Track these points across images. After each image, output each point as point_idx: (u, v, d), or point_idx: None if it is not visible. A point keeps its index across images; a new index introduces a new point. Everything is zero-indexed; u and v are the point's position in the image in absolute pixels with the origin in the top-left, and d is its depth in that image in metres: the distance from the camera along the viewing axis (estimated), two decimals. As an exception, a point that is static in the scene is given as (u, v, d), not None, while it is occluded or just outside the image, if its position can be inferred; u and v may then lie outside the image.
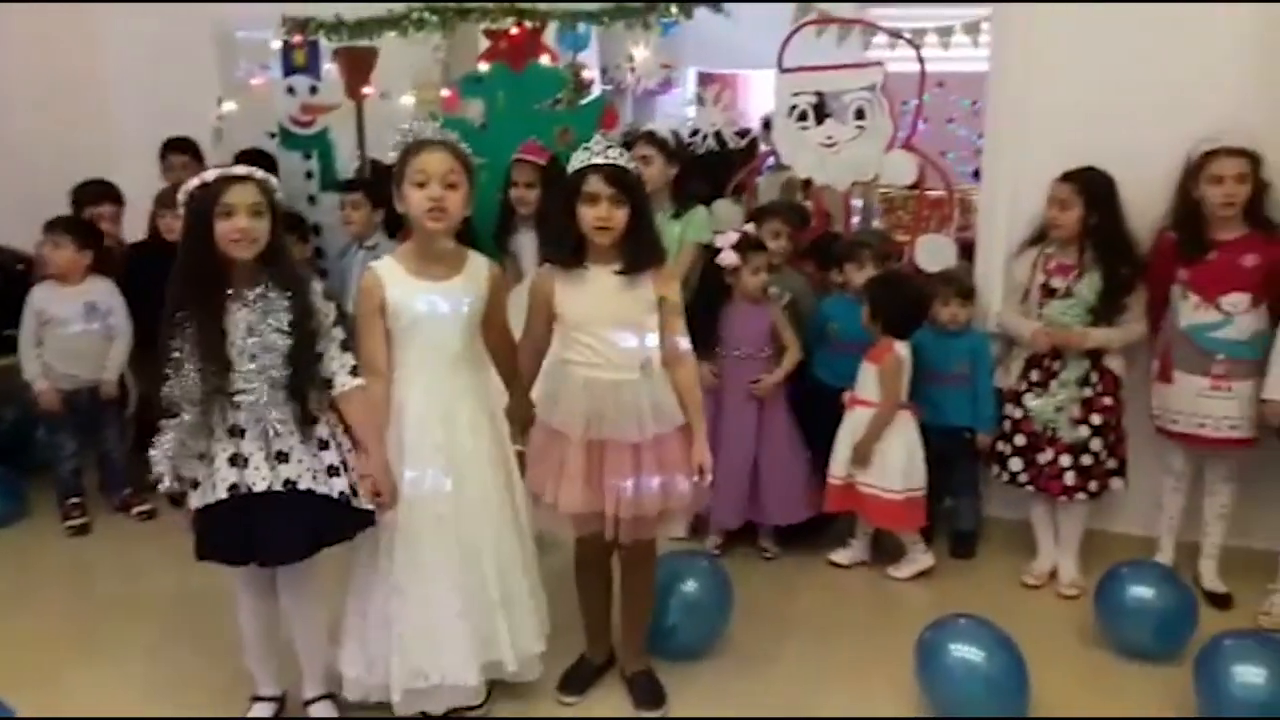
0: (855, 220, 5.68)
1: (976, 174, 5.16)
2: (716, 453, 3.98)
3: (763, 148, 5.64)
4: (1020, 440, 3.97)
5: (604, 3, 4.85)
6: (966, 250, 4.51)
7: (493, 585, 3.02)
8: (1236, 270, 3.63)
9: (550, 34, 5.09)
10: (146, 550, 4.40)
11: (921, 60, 4.64)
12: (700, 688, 3.35)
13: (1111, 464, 3.91)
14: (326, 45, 5.33)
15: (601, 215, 2.93)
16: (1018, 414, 3.97)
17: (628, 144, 4.17)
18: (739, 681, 3.40)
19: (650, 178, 4.20)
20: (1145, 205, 3.82)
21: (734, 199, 5.04)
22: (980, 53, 4.47)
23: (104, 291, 4.58)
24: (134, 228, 5.15)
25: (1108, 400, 3.85)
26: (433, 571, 2.97)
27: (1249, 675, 2.93)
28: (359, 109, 5.38)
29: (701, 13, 4.81)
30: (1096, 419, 3.84)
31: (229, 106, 5.68)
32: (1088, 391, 3.84)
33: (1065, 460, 3.86)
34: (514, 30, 4.94)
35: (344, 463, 2.92)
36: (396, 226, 4.50)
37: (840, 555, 4.24)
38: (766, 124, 6.45)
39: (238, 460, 2.79)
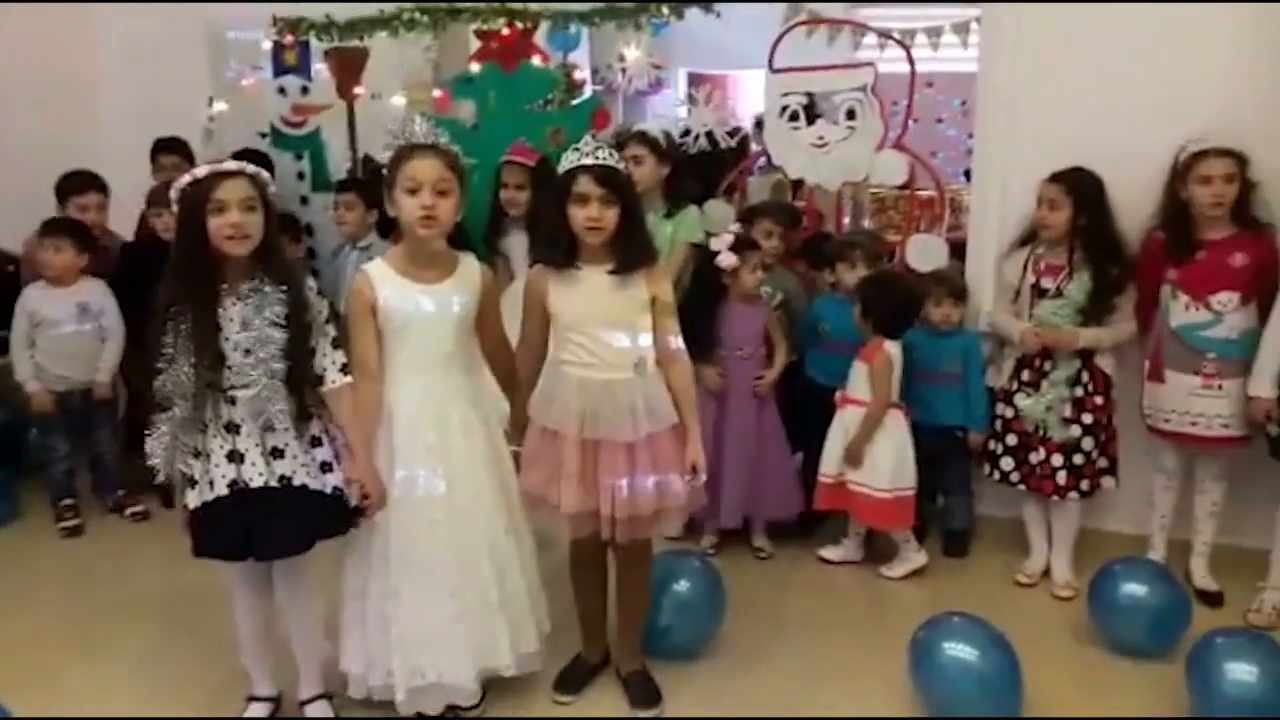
0: (846, 220, 5.70)
1: (967, 174, 5.17)
2: (721, 453, 4.02)
3: (754, 147, 5.65)
4: (1012, 440, 3.98)
5: (595, 3, 4.85)
6: (957, 250, 4.52)
7: (491, 589, 3.03)
8: (1225, 269, 3.65)
9: (541, 35, 5.10)
10: (140, 551, 4.39)
11: (911, 61, 4.66)
12: (695, 687, 3.35)
13: (1102, 463, 3.93)
14: (317, 45, 5.33)
15: (592, 215, 2.93)
16: (1009, 413, 3.98)
17: (619, 144, 4.19)
18: (733, 681, 3.41)
19: (641, 178, 4.22)
20: (1135, 205, 3.83)
21: (726, 199, 5.04)
22: (969, 53, 4.49)
23: (96, 292, 4.57)
24: (124, 228, 5.16)
25: (1099, 400, 3.87)
26: (427, 574, 2.97)
27: (1241, 673, 2.95)
28: (350, 109, 5.38)
29: (692, 13, 4.82)
30: (1087, 418, 3.85)
31: (220, 107, 5.67)
32: (1078, 391, 3.85)
33: (1057, 460, 3.87)
34: (505, 31, 4.95)
35: (336, 458, 2.94)
36: (389, 227, 4.50)
37: (830, 551, 4.26)
38: (759, 124, 6.48)
39: (235, 456, 2.80)
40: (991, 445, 4.06)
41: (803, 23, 4.83)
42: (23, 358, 4.51)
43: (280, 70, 5.52)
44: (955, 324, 4.18)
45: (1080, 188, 3.81)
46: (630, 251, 3.00)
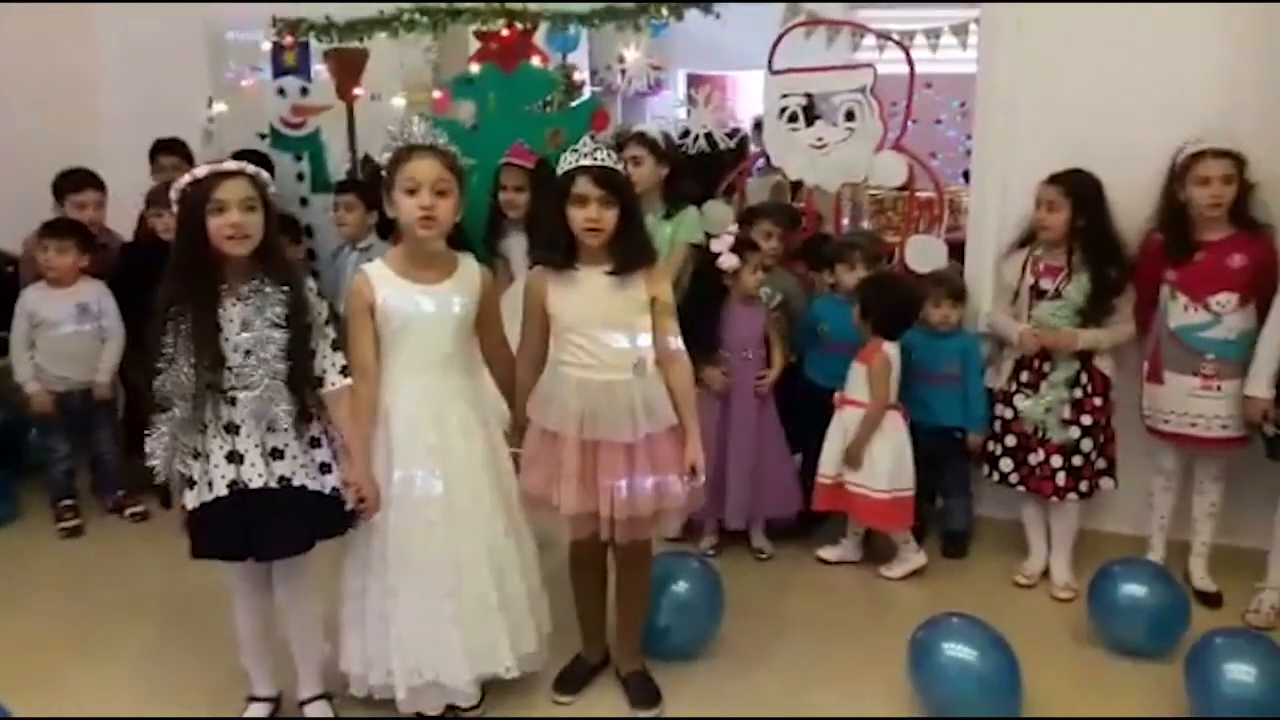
0: (845, 221, 5.70)
1: (966, 175, 5.18)
2: (725, 454, 4.03)
3: (753, 149, 5.65)
4: (1011, 441, 3.99)
5: (595, 1, 4.85)
6: (956, 251, 4.53)
7: (489, 591, 3.02)
8: (1224, 270, 3.65)
9: (540, 36, 5.10)
10: (140, 551, 4.39)
11: (910, 62, 4.66)
12: (694, 688, 3.36)
13: (1101, 464, 3.93)
14: (317, 46, 5.33)
15: (591, 216, 2.93)
16: (1008, 415, 3.98)
17: (619, 145, 4.19)
18: (733, 681, 3.41)
19: (640, 178, 4.22)
20: (1133, 206, 3.84)
21: (725, 200, 5.05)
22: (968, 54, 4.49)
23: (96, 293, 4.58)
24: (123, 228, 5.16)
25: (1097, 401, 3.87)
26: (424, 574, 2.97)
27: (1240, 673, 2.95)
28: (350, 110, 5.38)
29: (691, 15, 4.83)
30: (1086, 420, 3.86)
31: (219, 108, 5.67)
32: (1077, 393, 3.85)
33: (1056, 461, 3.88)
34: (504, 32, 4.95)
35: (335, 459, 2.95)
36: (389, 228, 4.50)
37: (828, 551, 4.27)
38: (758, 125, 6.48)
39: (234, 457, 2.80)
40: (990, 446, 4.06)
41: (802, 24, 4.83)
42: (22, 358, 4.51)
43: (280, 71, 5.52)
44: (954, 325, 4.18)
45: (1079, 189, 3.81)
46: (629, 252, 3.00)
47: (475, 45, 5.10)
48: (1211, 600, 3.83)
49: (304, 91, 5.49)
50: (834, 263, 4.39)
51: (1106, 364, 3.89)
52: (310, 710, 3.15)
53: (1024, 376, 3.94)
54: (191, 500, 2.84)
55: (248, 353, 2.78)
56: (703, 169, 5.13)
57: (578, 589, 3.33)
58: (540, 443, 3.08)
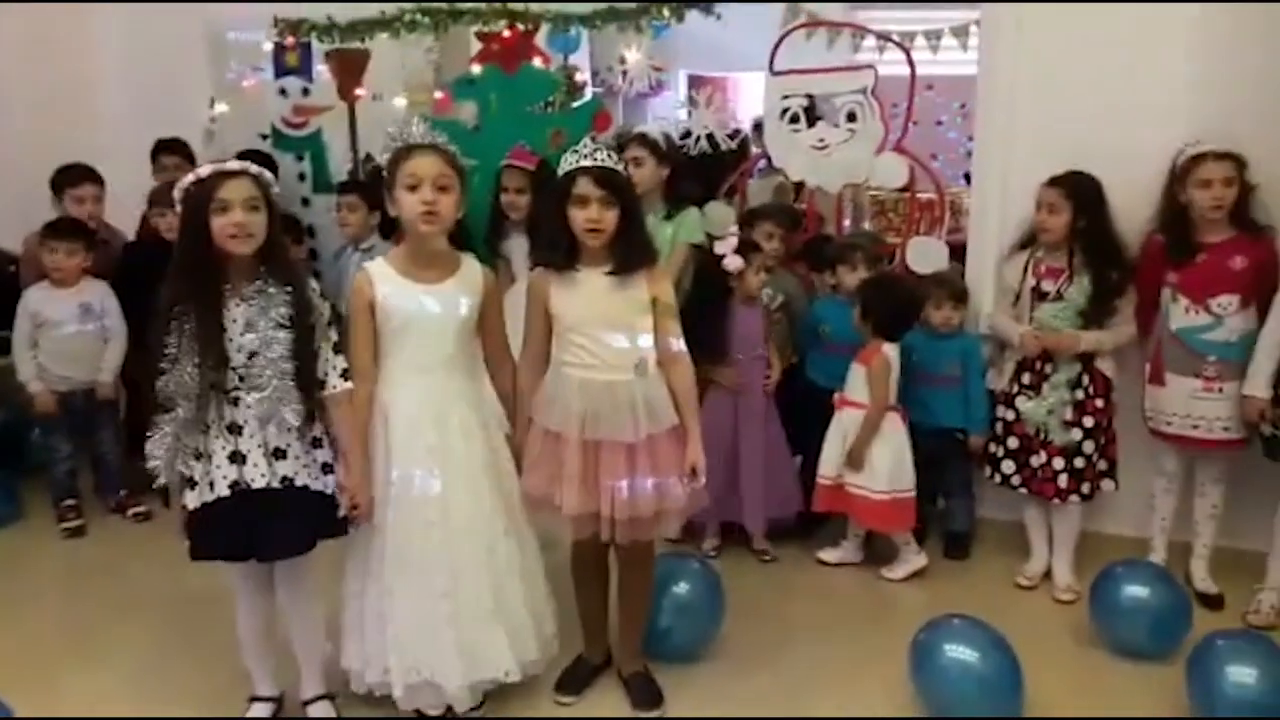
0: (846, 223, 5.71)
1: (967, 177, 5.18)
2: (739, 454, 4.05)
3: (754, 150, 5.66)
4: (1013, 443, 3.99)
5: (597, 1, 4.86)
6: (957, 252, 4.53)
7: (485, 594, 3.02)
8: (1225, 272, 3.65)
9: (542, 37, 5.10)
10: (142, 551, 4.39)
11: (912, 63, 4.66)
12: (696, 689, 3.36)
13: (1103, 465, 3.93)
14: (319, 47, 5.33)
15: (592, 217, 2.94)
16: (1010, 416, 3.98)
17: (620, 146, 4.19)
18: (734, 682, 3.41)
19: (641, 179, 4.22)
20: (1134, 207, 3.84)
21: (726, 201, 5.05)
22: (969, 56, 4.49)
23: (99, 293, 4.59)
24: (125, 229, 5.17)
25: (1099, 402, 3.87)
26: (421, 575, 2.97)
27: (1241, 675, 2.95)
28: (351, 111, 5.38)
29: (692, 16, 4.83)
30: (1088, 421, 3.86)
31: (221, 108, 5.68)
32: (1079, 394, 3.86)
33: (1058, 463, 3.88)
34: (506, 33, 4.95)
35: (335, 459, 2.95)
36: (391, 229, 4.51)
37: (828, 554, 4.27)
38: (757, 127, 6.48)
39: (237, 457, 2.80)
40: (992, 448, 4.06)
41: (802, 25, 4.84)
42: (25, 358, 4.52)
43: (281, 71, 5.52)
44: (955, 326, 4.19)
45: (1079, 191, 3.82)
46: (629, 253, 3.01)
47: (477, 46, 5.10)
48: (1213, 602, 3.83)
49: (305, 92, 5.49)
50: (835, 264, 4.39)
51: (1108, 365, 3.89)
52: (313, 710, 3.16)
53: (1026, 378, 3.94)
54: (192, 501, 2.84)
55: (252, 354, 2.78)
56: (704, 170, 5.13)
57: (579, 589, 3.33)
58: (543, 443, 3.08)
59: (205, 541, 2.86)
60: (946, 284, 4.23)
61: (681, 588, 3.47)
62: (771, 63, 4.83)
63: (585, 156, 2.97)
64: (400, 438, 2.99)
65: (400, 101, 5.33)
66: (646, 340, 3.06)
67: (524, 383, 3.15)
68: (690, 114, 5.16)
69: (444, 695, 3.04)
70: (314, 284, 2.97)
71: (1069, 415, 3.86)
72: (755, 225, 4.47)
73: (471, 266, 3.11)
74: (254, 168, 2.84)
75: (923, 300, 4.15)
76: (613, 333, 3.01)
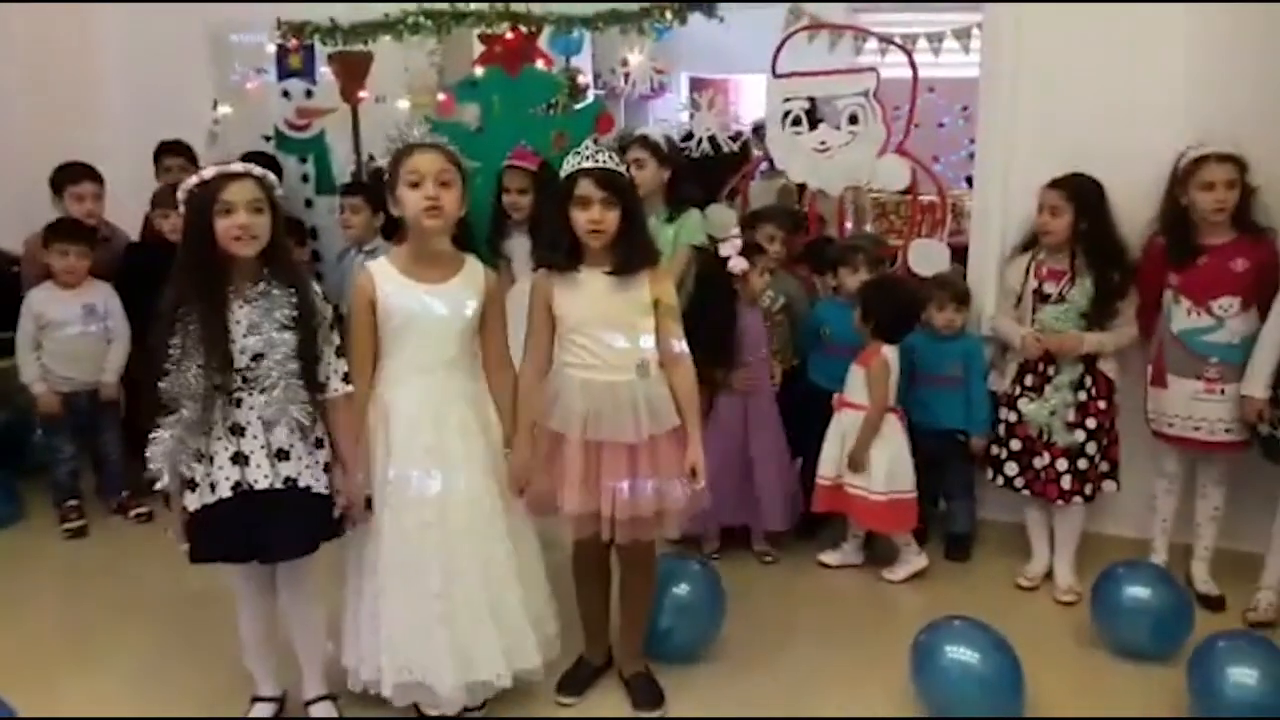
0: (848, 225, 5.71)
1: (969, 180, 5.19)
2: (752, 456, 4.07)
3: (755, 153, 5.66)
4: (1016, 445, 3.99)
5: (599, 3, 4.86)
6: (959, 254, 4.53)
7: (479, 596, 3.01)
8: (1227, 274, 3.66)
9: (544, 39, 5.11)
10: (144, 552, 4.39)
11: (914, 65, 4.67)
12: (697, 690, 3.36)
13: (1104, 467, 3.94)
14: (322, 49, 5.34)
15: (594, 218, 2.94)
16: (1013, 418, 3.99)
17: (622, 148, 4.20)
18: (735, 683, 3.42)
19: (643, 181, 4.22)
20: (1135, 209, 3.85)
21: (728, 203, 5.05)
22: (971, 58, 4.50)
23: (102, 294, 4.60)
24: (128, 229, 5.17)
25: (1101, 404, 3.88)
26: (417, 575, 2.96)
27: (1242, 675, 2.95)
28: (354, 113, 5.39)
29: (694, 18, 4.83)
30: (1091, 422, 3.86)
31: (224, 110, 5.69)
32: (1082, 395, 3.86)
33: (1061, 464, 3.88)
34: (509, 35, 4.96)
35: (334, 459, 2.96)
36: (393, 230, 4.51)
37: (829, 556, 4.27)
38: (756, 129, 6.49)
39: (239, 458, 2.81)
40: (995, 450, 4.07)
41: (805, 28, 4.84)
42: (29, 359, 4.52)
43: (284, 74, 5.52)
44: (958, 328, 4.19)
45: (1081, 193, 3.82)
46: (631, 253, 3.01)
47: (479, 48, 5.11)
48: (1214, 604, 3.83)
49: (309, 94, 5.49)
50: (837, 266, 4.40)
51: (1110, 367, 3.90)
52: (315, 711, 3.16)
53: (1028, 380, 3.94)
54: (193, 503, 2.83)
55: (256, 355, 2.79)
56: (705, 172, 5.14)
57: (580, 590, 3.34)
58: (545, 443, 3.09)
59: (206, 544, 2.86)
60: (948, 286, 4.23)
61: (682, 588, 3.48)
62: (774, 65, 4.84)
63: (587, 158, 2.98)
64: (399, 437, 2.99)
65: (403, 104, 5.33)
66: (648, 341, 3.06)
67: (526, 384, 3.14)
68: (692, 116, 5.17)
69: (435, 696, 3.03)
70: (316, 286, 2.98)
71: (1072, 416, 3.86)
72: (757, 227, 4.47)
73: (475, 267, 3.11)
74: (258, 170, 2.84)
75: (923, 302, 4.16)
76: (614, 333, 3.02)
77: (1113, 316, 3.83)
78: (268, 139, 5.54)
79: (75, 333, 4.53)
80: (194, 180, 2.82)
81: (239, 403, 2.81)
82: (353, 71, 5.30)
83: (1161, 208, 3.80)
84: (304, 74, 5.49)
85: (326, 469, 2.93)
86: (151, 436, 2.82)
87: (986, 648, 3.09)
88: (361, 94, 5.36)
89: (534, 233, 4.42)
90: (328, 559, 3.05)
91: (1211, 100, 3.87)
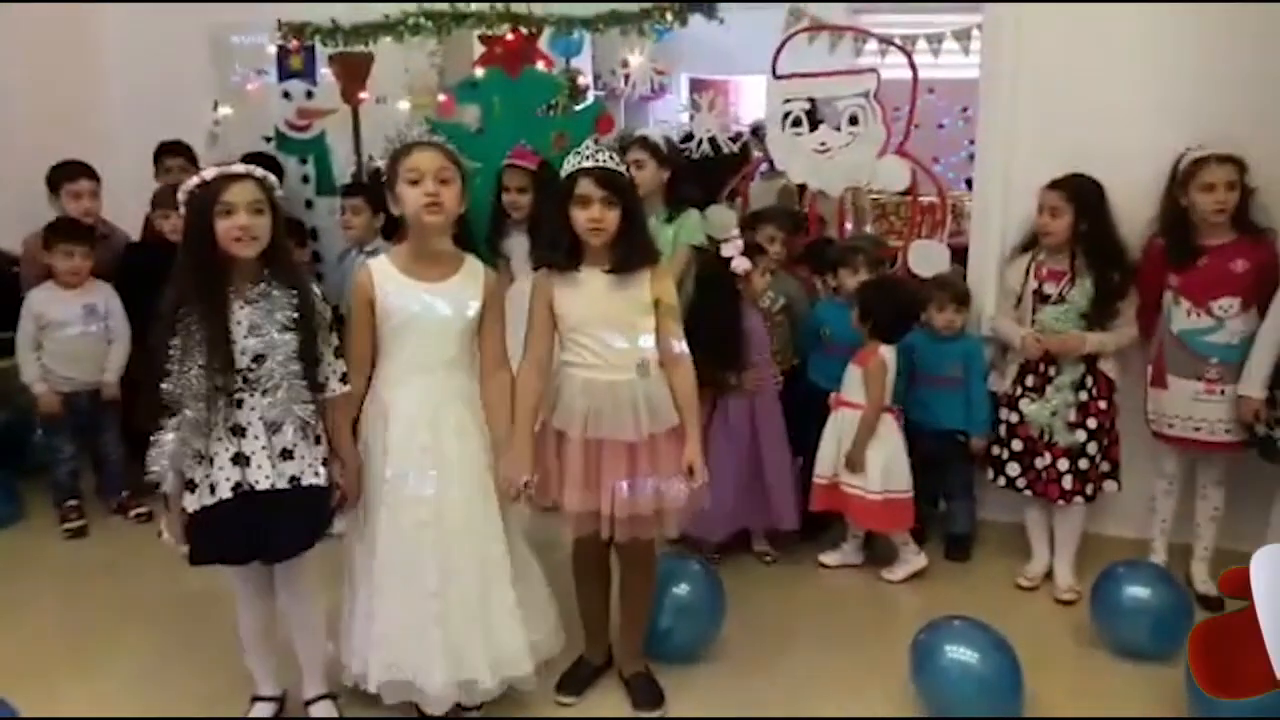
0: (848, 225, 5.72)
1: (969, 182, 5.19)
2: (761, 456, 4.07)
3: (755, 154, 5.67)
4: (1017, 445, 3.99)
5: (599, 4, 4.87)
6: (959, 255, 4.54)
7: (474, 598, 3.00)
8: (1227, 275, 3.66)
9: (545, 40, 5.11)
10: (144, 553, 4.37)
11: (914, 66, 4.67)
12: (697, 690, 3.36)
13: (1105, 467, 3.94)
14: (322, 50, 5.34)
15: (594, 217, 2.95)
16: (1014, 419, 3.99)
17: (622, 149, 4.21)
18: (735, 683, 3.42)
19: (643, 182, 4.22)
20: (1135, 209, 3.86)
21: (728, 204, 5.06)
22: (971, 60, 4.51)
23: (103, 294, 4.61)
24: (128, 230, 5.18)
25: (1102, 404, 3.88)
26: (411, 574, 2.96)
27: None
28: (355, 114, 5.39)
29: (695, 19, 4.83)
30: (1092, 423, 3.87)
31: (225, 111, 5.69)
32: (1083, 396, 3.86)
33: (1062, 464, 3.88)
34: (509, 36, 4.96)
35: (331, 457, 2.97)
36: (393, 231, 4.51)
37: (829, 557, 4.27)
38: (755, 130, 6.50)
39: (240, 459, 2.81)
40: (996, 451, 4.07)
41: (805, 29, 4.85)
42: (29, 359, 4.53)
43: (285, 75, 5.53)
44: (958, 329, 4.19)
45: (1080, 194, 3.83)
46: (630, 253, 3.01)
47: (480, 49, 5.11)
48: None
49: (309, 95, 5.49)
50: (837, 266, 4.40)
51: (1111, 367, 3.90)
52: (315, 710, 3.16)
53: (1029, 380, 3.94)
54: (192, 504, 2.83)
55: (257, 356, 2.79)
56: (705, 173, 5.14)
57: (580, 589, 3.34)
58: (546, 442, 3.09)
59: (206, 545, 2.86)
60: (948, 286, 4.23)
61: (682, 588, 3.48)
62: (774, 66, 4.84)
63: (588, 157, 2.98)
64: (397, 437, 2.99)
65: (404, 104, 5.34)
66: (648, 340, 3.07)
67: (527, 383, 3.12)
68: (692, 117, 5.17)
69: (425, 695, 3.02)
70: (316, 288, 2.98)
71: (1073, 417, 3.86)
72: (757, 228, 4.47)
73: (475, 266, 3.11)
74: (258, 171, 2.84)
75: (922, 303, 4.16)
76: (615, 333, 3.02)
77: (1113, 317, 3.83)
78: (268, 140, 5.54)
79: (76, 333, 4.54)
80: (195, 181, 2.82)
81: (240, 404, 2.81)
82: (353, 72, 5.30)
83: (1161, 208, 3.81)
84: (304, 75, 5.49)
85: (325, 463, 2.93)
86: (154, 439, 2.81)
87: (986, 648, 3.09)
88: (362, 95, 5.36)
89: (533, 232, 4.42)
90: (327, 559, 3.05)
91: (1211, 101, 3.88)
